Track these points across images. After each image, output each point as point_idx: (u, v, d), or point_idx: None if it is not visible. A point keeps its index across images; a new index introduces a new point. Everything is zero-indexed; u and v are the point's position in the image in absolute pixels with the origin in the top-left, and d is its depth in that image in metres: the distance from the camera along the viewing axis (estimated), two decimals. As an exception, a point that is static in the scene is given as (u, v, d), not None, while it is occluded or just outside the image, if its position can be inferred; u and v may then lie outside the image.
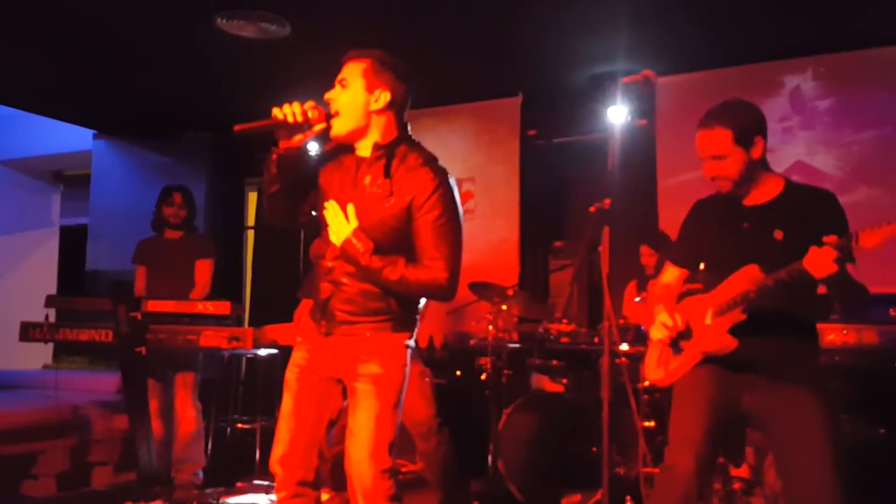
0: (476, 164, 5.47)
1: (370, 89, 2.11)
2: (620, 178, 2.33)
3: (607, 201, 2.04)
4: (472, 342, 4.78)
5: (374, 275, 2.07)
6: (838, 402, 3.46)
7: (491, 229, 5.29)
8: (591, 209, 2.07)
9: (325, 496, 3.54)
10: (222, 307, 3.49)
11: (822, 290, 2.15)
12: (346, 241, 2.07)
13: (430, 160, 2.14)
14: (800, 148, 4.56)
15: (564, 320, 3.96)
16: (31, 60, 4.92)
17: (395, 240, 2.11)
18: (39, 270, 7.29)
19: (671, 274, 2.45)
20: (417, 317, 2.25)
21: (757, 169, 2.20)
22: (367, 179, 2.14)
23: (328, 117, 2.12)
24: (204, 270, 4.12)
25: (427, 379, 3.39)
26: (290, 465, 2.19)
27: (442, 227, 2.09)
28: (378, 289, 2.13)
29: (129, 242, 4.30)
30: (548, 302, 5.08)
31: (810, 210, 2.17)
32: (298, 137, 2.14)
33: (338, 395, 2.24)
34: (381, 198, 2.10)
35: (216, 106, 5.53)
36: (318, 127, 2.12)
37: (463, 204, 3.32)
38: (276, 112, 2.08)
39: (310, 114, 2.09)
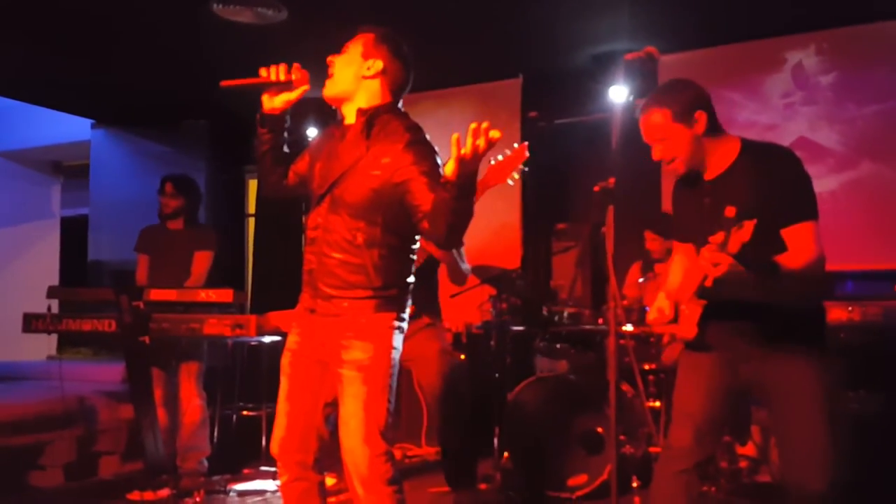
0: (477, 147, 5.43)
1: (365, 57, 2.20)
2: (623, 158, 2.30)
3: (612, 181, 2.02)
4: (475, 326, 4.77)
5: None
6: (842, 378, 3.47)
7: (492, 212, 5.25)
8: (596, 189, 2.05)
9: (330, 480, 3.55)
10: (225, 295, 3.48)
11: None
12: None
13: (413, 128, 2.16)
14: (802, 124, 4.53)
15: (569, 302, 3.95)
16: (27, 51, 4.88)
17: (372, 202, 2.11)
18: (41, 262, 7.28)
19: (678, 251, 2.42)
20: (407, 295, 2.22)
21: (708, 142, 2.15)
22: (348, 144, 2.18)
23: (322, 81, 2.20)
24: (201, 262, 4.10)
25: (447, 358, 3.38)
26: (288, 448, 2.21)
27: (425, 171, 2.06)
28: (358, 260, 2.12)
29: (131, 232, 4.29)
30: (551, 284, 5.06)
31: (764, 175, 2.08)
32: (283, 97, 2.24)
33: (331, 377, 2.22)
34: (358, 159, 2.13)
35: (214, 93, 5.48)
36: (302, 88, 2.22)
37: (515, 168, 3.16)
38: (262, 71, 2.18)
39: (294, 75, 2.19)
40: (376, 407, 2.11)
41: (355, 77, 2.19)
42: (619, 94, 2.40)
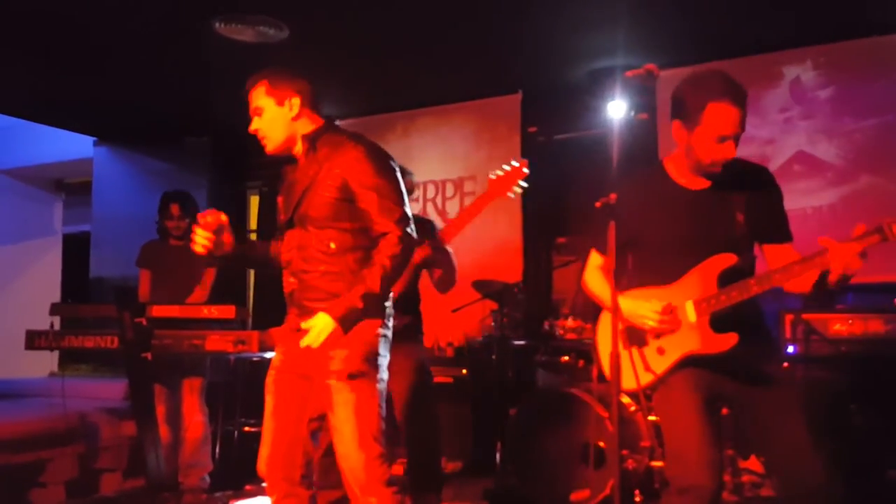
0: (477, 163, 5.47)
1: (281, 102, 2.29)
2: (623, 173, 2.31)
3: (613, 196, 2.03)
4: (477, 340, 4.77)
5: (374, 300, 2.14)
6: (846, 392, 3.47)
7: (493, 227, 5.27)
8: (597, 204, 2.06)
9: None
10: (227, 311, 3.49)
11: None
12: (341, 320, 2.09)
13: (354, 136, 2.29)
14: (801, 138, 4.55)
15: (570, 317, 3.96)
16: (29, 69, 4.92)
17: (335, 212, 2.21)
18: (43, 279, 7.29)
19: (597, 259, 2.31)
20: (387, 303, 2.28)
21: None
22: (303, 168, 2.30)
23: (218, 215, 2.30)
24: (208, 278, 4.12)
25: (422, 373, 3.36)
26: (274, 465, 2.25)
27: (377, 184, 2.18)
28: (337, 268, 2.21)
29: (132, 249, 4.30)
30: (552, 299, 5.07)
31: (756, 186, 2.16)
32: (221, 241, 2.30)
33: (316, 391, 2.26)
34: (314, 176, 2.23)
35: (216, 111, 5.53)
36: (224, 218, 2.30)
37: (515, 183, 3.25)
38: (196, 248, 2.27)
39: (209, 218, 2.26)
40: (367, 412, 2.15)
41: (285, 125, 2.29)
42: (617, 109, 2.41)
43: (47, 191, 7.61)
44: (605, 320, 2.30)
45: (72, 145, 6.76)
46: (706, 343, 2.09)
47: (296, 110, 2.29)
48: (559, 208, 5.31)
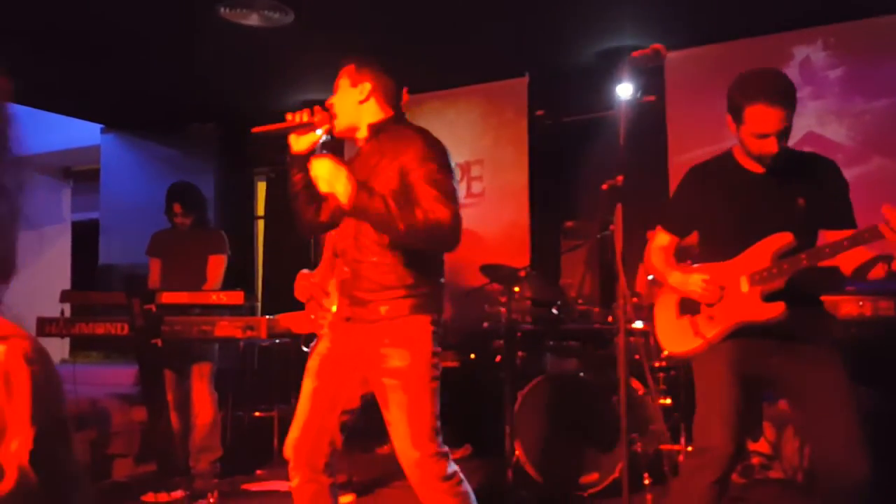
0: (484, 147, 5.45)
1: (354, 84, 2.31)
2: (631, 155, 2.30)
3: (620, 178, 2.02)
4: (485, 325, 4.77)
5: (385, 218, 2.05)
6: (856, 374, 3.45)
7: (501, 211, 5.27)
8: (604, 187, 2.05)
9: (347, 497, 3.56)
10: (236, 297, 3.50)
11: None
12: (353, 193, 2.03)
13: (420, 130, 2.29)
14: (811, 119, 4.51)
15: (579, 300, 3.95)
16: (35, 57, 4.92)
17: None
18: (53, 266, 7.34)
19: (663, 239, 2.43)
20: (441, 296, 2.28)
21: None
22: (364, 156, 2.30)
23: (332, 118, 2.30)
24: (216, 266, 4.12)
25: None
26: (300, 451, 2.26)
27: (437, 179, 2.15)
28: (389, 259, 2.19)
29: (141, 235, 4.31)
30: (560, 282, 5.06)
31: (820, 175, 2.25)
32: (308, 138, 2.30)
33: (355, 387, 2.27)
34: (375, 164, 2.23)
35: (221, 96, 5.52)
36: (324, 127, 2.30)
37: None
38: (287, 116, 2.27)
39: (316, 117, 2.26)
40: (420, 412, 2.16)
41: (353, 106, 2.31)
42: (625, 90, 2.40)
43: (56, 178, 7.64)
44: (663, 297, 2.41)
45: (79, 133, 6.77)
46: (754, 311, 2.16)
47: (364, 94, 2.30)
48: (567, 192, 5.29)
